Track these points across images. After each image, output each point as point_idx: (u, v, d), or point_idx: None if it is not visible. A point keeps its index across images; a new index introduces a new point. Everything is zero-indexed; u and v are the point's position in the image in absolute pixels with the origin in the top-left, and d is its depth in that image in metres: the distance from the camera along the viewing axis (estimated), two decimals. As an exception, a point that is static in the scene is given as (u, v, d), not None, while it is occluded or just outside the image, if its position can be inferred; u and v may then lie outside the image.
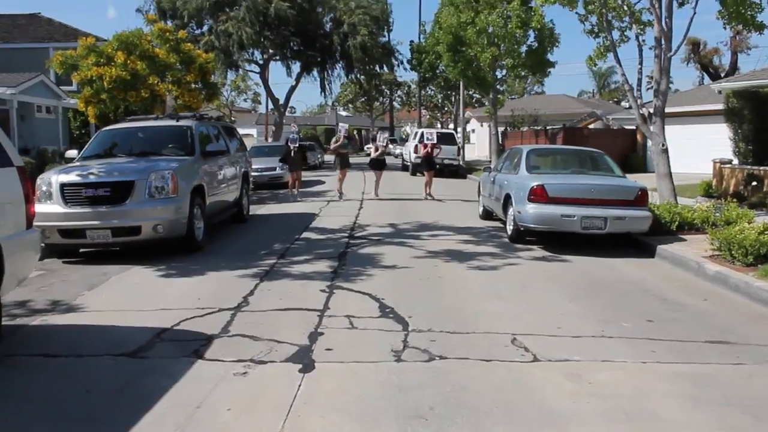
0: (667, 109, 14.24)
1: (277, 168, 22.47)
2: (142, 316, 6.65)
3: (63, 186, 9.48)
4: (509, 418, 4.25)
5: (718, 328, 6.32)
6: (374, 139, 24.62)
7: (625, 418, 4.28)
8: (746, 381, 4.97)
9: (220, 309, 6.81)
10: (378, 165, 19.62)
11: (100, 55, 17.98)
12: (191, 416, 4.28)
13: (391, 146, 42.99)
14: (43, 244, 7.54)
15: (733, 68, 37.81)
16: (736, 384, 4.90)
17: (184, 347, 5.61)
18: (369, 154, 22.81)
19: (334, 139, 20.78)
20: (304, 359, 5.31)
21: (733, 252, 8.62)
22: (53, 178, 9.61)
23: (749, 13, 13.15)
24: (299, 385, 4.78)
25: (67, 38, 31.05)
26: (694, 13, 13.62)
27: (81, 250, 9.99)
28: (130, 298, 7.51)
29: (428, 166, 19.84)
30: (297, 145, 19.85)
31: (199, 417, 4.28)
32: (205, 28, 36.61)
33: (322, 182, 25.13)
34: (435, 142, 21.12)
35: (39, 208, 8.20)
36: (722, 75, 36.18)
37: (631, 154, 28.74)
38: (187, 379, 4.91)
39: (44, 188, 9.50)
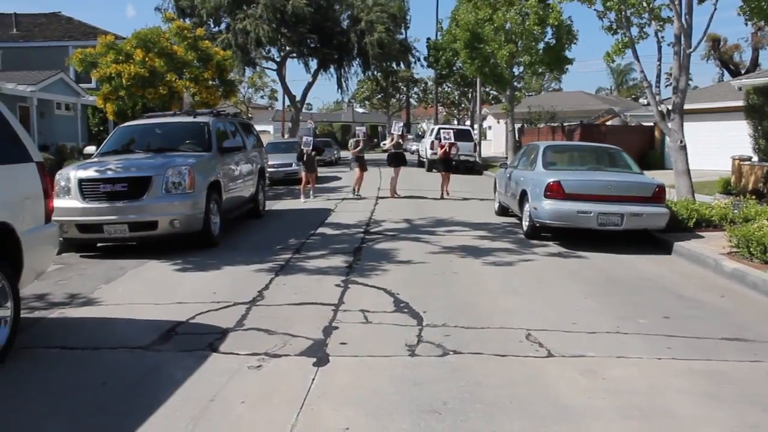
0: (686, 106, 14.11)
1: (293, 164, 22.52)
2: (158, 309, 6.70)
3: (81, 181, 9.57)
4: (523, 414, 4.24)
5: (735, 325, 6.25)
6: (391, 131, 23.06)
7: (640, 415, 4.25)
8: (764, 379, 4.92)
9: (235, 303, 6.84)
10: (396, 160, 18.26)
11: (119, 53, 18.12)
12: (206, 409, 4.31)
13: (410, 137, 42.50)
14: (61, 239, 7.62)
15: (754, 65, 37.43)
16: (753, 381, 4.85)
17: (199, 341, 5.64)
18: (385, 150, 21.52)
19: (353, 142, 19.49)
20: (318, 353, 5.32)
21: (751, 249, 8.52)
22: (72, 174, 9.70)
23: (771, 8, 12.99)
24: (313, 379, 4.80)
25: (86, 36, 31.37)
26: (715, 9, 13.46)
27: (98, 244, 10.08)
28: (146, 292, 7.56)
29: (446, 167, 18.63)
30: (311, 147, 18.03)
31: (213, 409, 4.31)
32: (223, 25, 36.79)
33: (339, 178, 25.17)
34: (452, 140, 19.62)
35: (57, 203, 8.27)
36: (743, 72, 35.82)
37: (649, 151, 28.53)
38: (202, 372, 4.94)
39: (63, 183, 9.60)
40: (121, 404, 4.40)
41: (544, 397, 4.48)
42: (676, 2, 12.97)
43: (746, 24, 13.81)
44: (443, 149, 19.09)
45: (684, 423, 4.16)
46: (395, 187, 18.28)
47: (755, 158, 17.71)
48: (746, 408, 4.37)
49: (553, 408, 4.33)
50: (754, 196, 12.82)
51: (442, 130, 22.31)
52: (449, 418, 4.15)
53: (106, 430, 4.04)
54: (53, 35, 32.91)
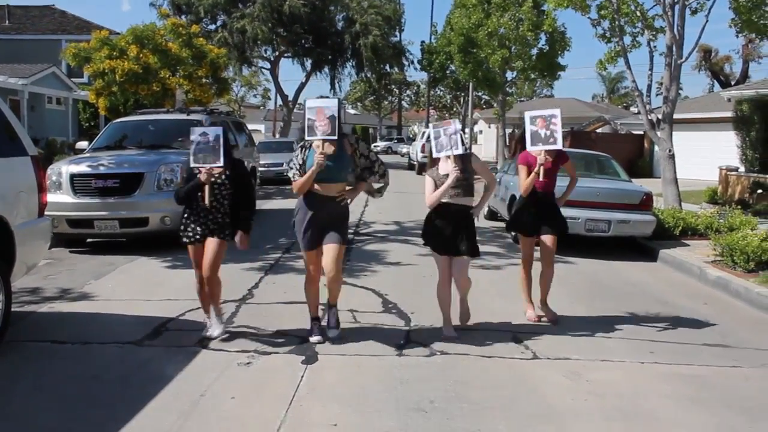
0: (677, 116, 14.28)
1: (284, 164, 22.58)
2: (149, 305, 6.75)
3: (73, 176, 9.59)
4: (508, 413, 4.33)
5: (717, 331, 6.37)
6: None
7: (623, 417, 4.35)
8: (743, 383, 5.03)
9: (225, 300, 6.84)
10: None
11: (113, 48, 18.08)
12: (196, 403, 4.37)
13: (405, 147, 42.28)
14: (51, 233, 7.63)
15: (744, 76, 37.76)
16: (733, 386, 4.96)
17: (189, 337, 5.70)
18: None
19: None
20: (307, 351, 5.39)
21: (734, 258, 8.66)
22: (63, 169, 9.72)
23: (762, 21, 13.20)
24: (302, 376, 4.87)
25: (79, 31, 31.27)
26: (707, 20, 13.64)
27: (88, 240, 10.10)
28: (136, 288, 7.60)
29: None
30: None
31: (203, 404, 4.37)
32: (219, 23, 36.75)
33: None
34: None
35: (48, 197, 8.27)
36: (733, 83, 36.16)
37: (638, 159, 28.74)
38: (192, 368, 5.00)
39: (54, 178, 9.61)
40: (112, 397, 4.46)
41: (528, 398, 4.58)
42: (669, 13, 13.13)
43: (737, 36, 14.01)
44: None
45: (664, 425, 4.26)
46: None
47: (742, 169, 17.94)
48: (725, 411, 4.47)
49: (538, 408, 4.42)
50: (739, 206, 13.01)
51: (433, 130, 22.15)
52: (435, 417, 4.23)
53: (98, 422, 4.09)
54: (46, 28, 32.78)
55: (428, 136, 24.52)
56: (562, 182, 6.75)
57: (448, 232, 5.80)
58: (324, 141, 5.33)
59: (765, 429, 4.27)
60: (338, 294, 5.74)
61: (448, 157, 5.68)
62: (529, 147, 6.22)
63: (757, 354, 5.75)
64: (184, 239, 5.59)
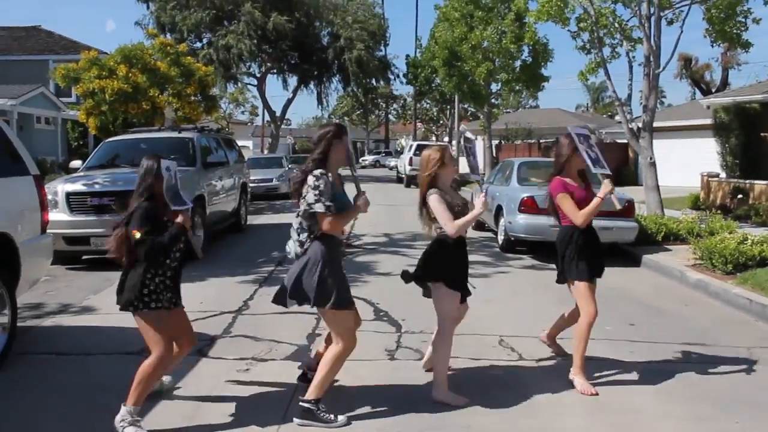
0: (659, 123, 14.67)
1: (274, 179, 22.87)
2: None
3: (69, 195, 9.81)
4: (496, 410, 4.57)
5: (695, 331, 6.65)
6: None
7: (604, 410, 4.60)
8: (717, 378, 5.30)
9: (221, 312, 7.12)
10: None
11: (102, 68, 18.33)
12: (197, 408, 4.59)
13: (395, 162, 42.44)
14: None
15: (724, 84, 38.33)
16: (709, 382, 5.23)
17: (189, 347, 5.90)
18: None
19: None
20: (303, 358, 5.60)
21: (713, 261, 8.97)
22: (59, 187, 9.93)
23: (735, 31, 13.60)
24: (298, 383, 5.08)
25: (66, 51, 31.43)
26: (681, 31, 14.08)
27: (84, 257, 10.28)
28: (134, 302, 7.78)
29: None
30: None
31: (205, 408, 4.60)
32: (204, 41, 37.04)
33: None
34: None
35: (46, 215, 8.49)
36: (713, 90, 36.70)
37: (623, 167, 29.14)
38: (193, 375, 5.22)
39: (50, 197, 9.76)
40: (117, 404, 4.64)
41: (514, 396, 4.82)
42: (645, 25, 13.51)
43: (712, 45, 14.40)
44: None
45: (642, 417, 4.52)
46: None
47: (723, 175, 18.33)
48: (702, 404, 4.73)
49: (523, 405, 4.67)
50: (721, 212, 13.35)
51: (421, 146, 22.17)
52: (426, 415, 4.48)
53: (104, 428, 4.29)
54: (33, 49, 32.92)
55: (416, 150, 23.56)
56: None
57: (465, 269, 5.03)
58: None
59: (736, 418, 4.52)
60: None
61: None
62: (593, 169, 5.12)
63: (733, 351, 6.01)
64: (158, 305, 4.33)
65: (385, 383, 5.07)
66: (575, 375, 5.01)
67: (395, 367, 5.45)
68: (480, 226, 14.24)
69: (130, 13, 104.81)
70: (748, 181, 16.26)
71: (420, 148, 21.74)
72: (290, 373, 5.28)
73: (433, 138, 64.20)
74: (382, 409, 4.58)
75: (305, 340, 6.13)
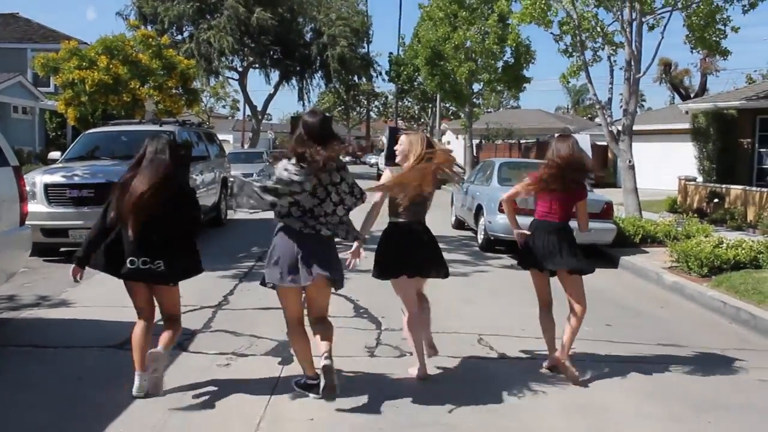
0: (639, 127, 14.85)
1: (254, 174, 22.77)
2: (126, 311, 6.78)
3: (47, 186, 9.71)
4: (474, 407, 4.62)
5: (671, 332, 6.76)
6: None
7: (580, 409, 4.67)
8: (691, 379, 5.40)
9: (202, 306, 7.11)
10: None
11: (82, 59, 18.14)
12: (179, 401, 4.59)
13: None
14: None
15: (703, 89, 38.78)
16: (683, 382, 5.33)
17: (169, 341, 5.89)
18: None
19: None
20: (283, 353, 5.63)
21: (690, 264, 9.11)
22: (37, 179, 9.83)
23: (714, 39, 13.80)
24: (279, 376, 5.12)
25: (45, 39, 31.02)
26: (662, 37, 14.25)
27: (61, 249, 10.19)
28: (113, 294, 7.66)
29: None
30: None
31: (186, 402, 4.60)
32: (186, 34, 36.77)
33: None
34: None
35: (25, 206, 8.41)
36: (692, 96, 37.12)
37: (602, 169, 29.40)
38: (174, 369, 5.19)
39: (28, 188, 9.64)
40: (97, 397, 4.65)
41: (493, 394, 4.87)
42: (627, 30, 13.66)
43: (692, 52, 14.61)
44: None
45: (618, 416, 4.60)
46: None
47: (700, 179, 18.56)
48: (675, 404, 4.82)
49: (502, 403, 4.73)
50: (697, 215, 13.54)
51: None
52: (406, 411, 4.52)
53: (86, 420, 4.28)
54: (11, 37, 32.43)
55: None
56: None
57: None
58: None
59: (709, 418, 4.61)
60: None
61: None
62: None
63: (707, 352, 6.13)
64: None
65: (364, 380, 5.10)
66: (566, 359, 5.28)
67: (375, 364, 5.48)
68: (460, 224, 14.32)
69: (111, 2, 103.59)
70: (724, 186, 16.48)
71: (393, 133, 21.62)
72: (271, 368, 5.31)
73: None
74: (362, 405, 4.60)
75: (285, 336, 6.08)
